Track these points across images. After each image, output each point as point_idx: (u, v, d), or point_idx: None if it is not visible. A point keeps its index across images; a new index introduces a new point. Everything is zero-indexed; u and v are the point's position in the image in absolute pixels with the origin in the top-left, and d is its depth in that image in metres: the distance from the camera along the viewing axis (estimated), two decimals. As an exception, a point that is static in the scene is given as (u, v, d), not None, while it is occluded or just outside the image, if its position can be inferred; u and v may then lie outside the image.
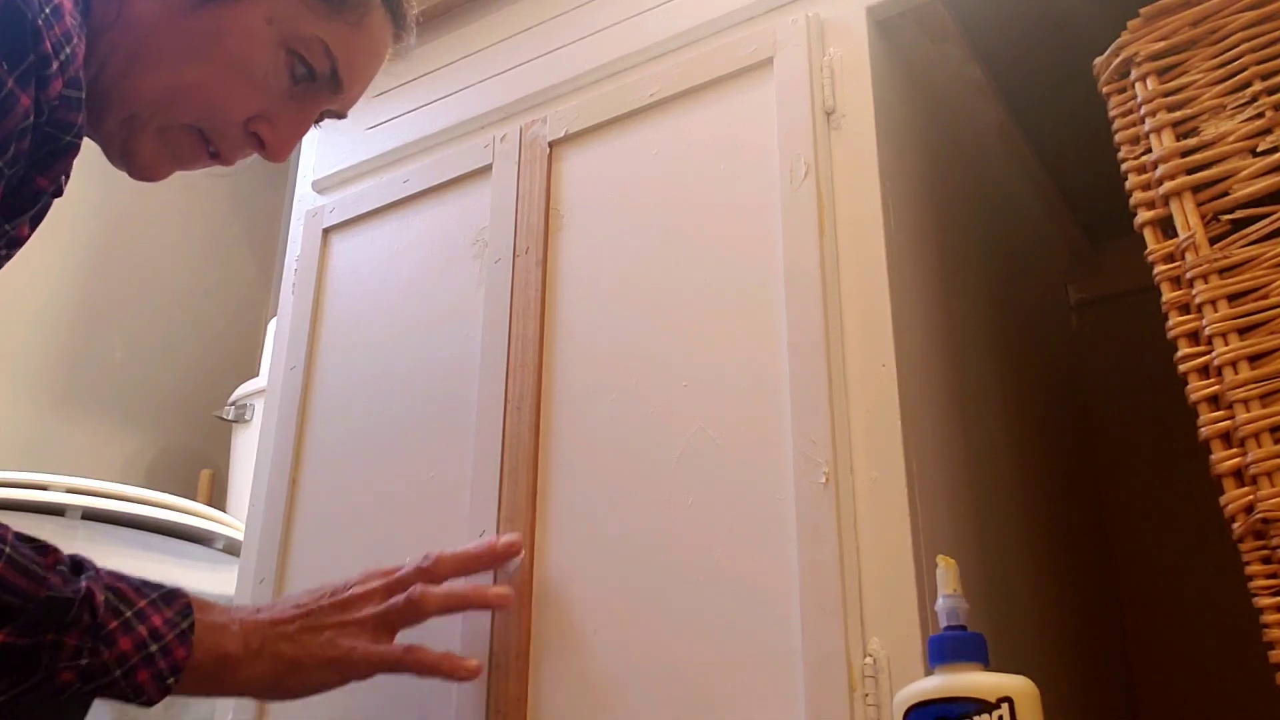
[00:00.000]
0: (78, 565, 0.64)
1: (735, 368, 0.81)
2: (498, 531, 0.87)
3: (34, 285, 1.78)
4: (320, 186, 1.20)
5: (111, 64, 0.67)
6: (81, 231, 1.90)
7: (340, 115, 0.79)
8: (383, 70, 1.22)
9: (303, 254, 1.15)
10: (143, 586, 0.67)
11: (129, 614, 0.65)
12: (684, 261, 0.87)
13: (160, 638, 0.66)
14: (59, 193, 0.63)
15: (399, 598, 0.78)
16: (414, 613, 0.78)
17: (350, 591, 0.78)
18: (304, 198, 1.21)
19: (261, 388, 1.66)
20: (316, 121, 0.77)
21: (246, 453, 1.69)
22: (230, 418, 1.79)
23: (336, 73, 0.74)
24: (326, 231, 1.15)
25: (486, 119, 1.08)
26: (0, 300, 1.71)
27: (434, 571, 0.80)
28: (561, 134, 0.99)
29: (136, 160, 0.71)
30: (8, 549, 0.59)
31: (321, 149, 1.22)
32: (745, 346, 0.81)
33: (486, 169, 1.04)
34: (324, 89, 0.74)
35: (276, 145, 0.74)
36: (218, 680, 0.70)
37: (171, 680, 0.66)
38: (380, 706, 0.88)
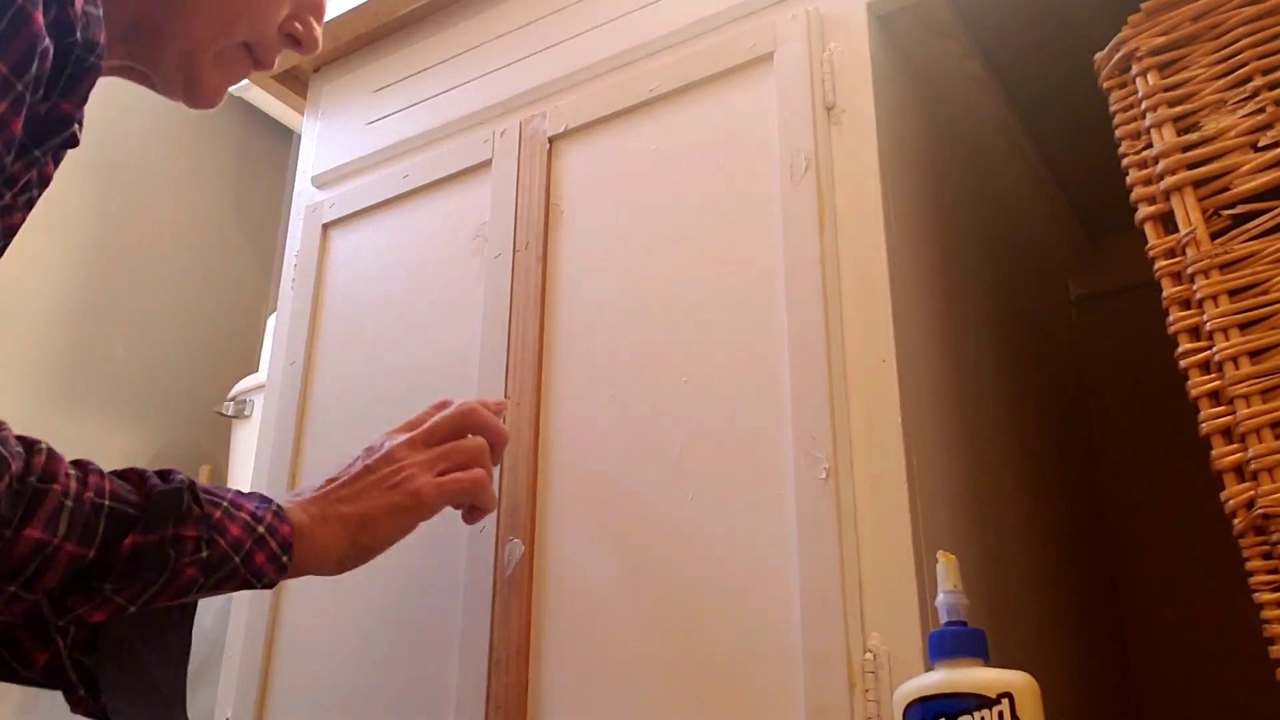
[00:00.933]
0: (164, 473, 0.65)
1: (735, 363, 0.81)
2: (498, 528, 0.87)
3: (34, 280, 1.78)
4: (320, 181, 1.20)
5: (153, 3, 0.69)
6: (81, 227, 1.90)
7: None
8: (382, 66, 1.22)
9: (302, 249, 1.15)
10: (217, 487, 0.68)
11: (225, 504, 0.66)
12: (684, 257, 0.87)
13: (261, 519, 0.67)
14: (75, 141, 0.63)
15: (438, 418, 0.80)
16: (445, 429, 0.80)
17: (388, 445, 0.78)
18: (304, 193, 1.21)
19: (261, 383, 1.66)
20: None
21: (246, 448, 1.69)
22: (230, 413, 1.79)
23: None
24: (326, 226, 1.15)
25: (486, 114, 1.07)
26: (0, 295, 1.71)
27: (446, 406, 0.82)
28: (561, 129, 0.99)
29: (203, 90, 0.74)
30: (103, 471, 0.60)
31: (321, 144, 1.22)
32: (745, 341, 0.81)
33: (486, 164, 1.04)
34: None
35: (310, 39, 0.78)
36: (299, 555, 0.69)
37: (285, 558, 0.67)
38: (381, 702, 0.88)
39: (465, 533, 0.88)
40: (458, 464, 0.78)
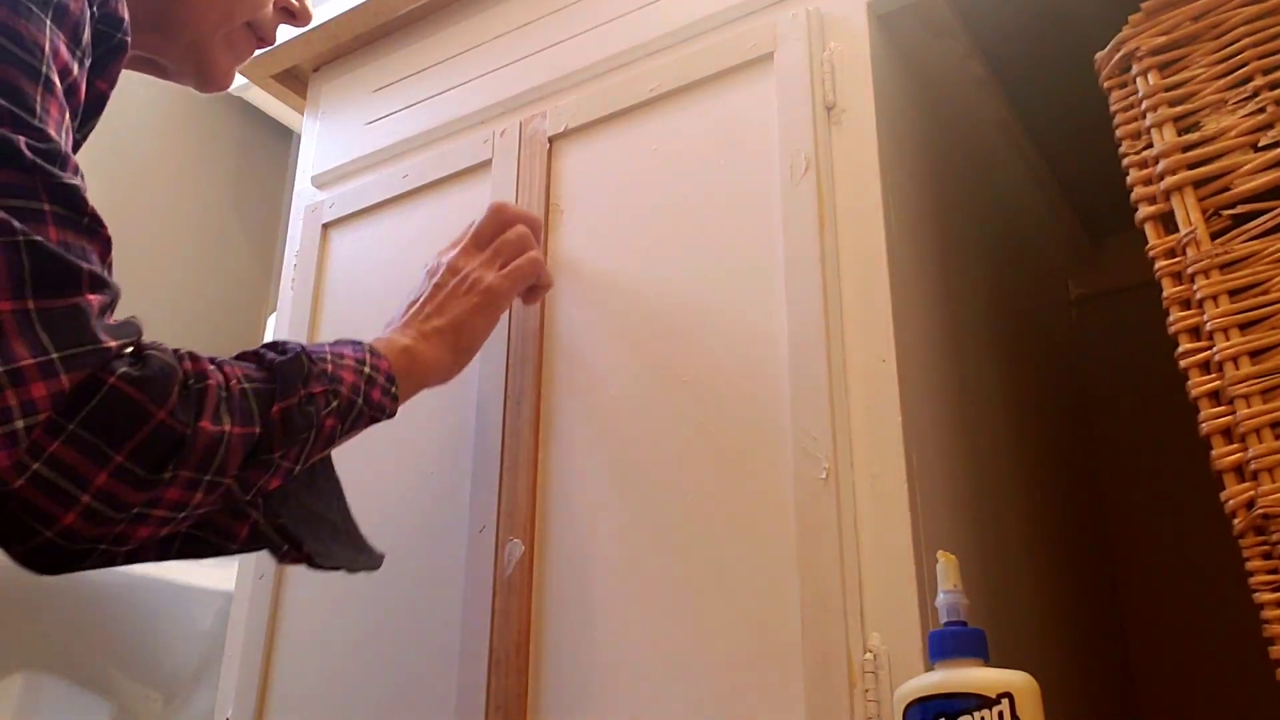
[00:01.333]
0: (275, 345, 0.70)
1: (735, 363, 0.81)
2: (497, 528, 0.87)
3: (33, 280, 1.77)
4: (320, 181, 1.20)
5: None
6: (81, 226, 1.89)
7: None
8: (382, 65, 1.22)
9: (302, 249, 1.15)
10: (312, 345, 0.73)
11: (329, 356, 0.71)
12: (684, 256, 0.87)
13: (363, 362, 0.73)
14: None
15: (477, 223, 0.89)
16: (487, 231, 0.88)
17: (445, 261, 0.87)
18: (303, 193, 1.21)
19: (261, 383, 1.65)
20: None
21: (246, 448, 1.69)
22: (230, 413, 1.78)
23: None
24: (326, 226, 1.15)
25: (486, 114, 1.07)
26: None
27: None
28: (561, 129, 0.99)
29: (214, 73, 0.78)
30: (222, 359, 0.65)
31: (321, 143, 1.22)
32: (745, 342, 0.81)
33: (486, 164, 1.04)
34: None
35: (304, 10, 0.84)
36: (412, 375, 0.77)
37: (394, 389, 0.75)
38: (381, 702, 0.88)
39: (465, 533, 0.88)
40: (510, 255, 0.87)
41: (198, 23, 0.74)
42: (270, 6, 0.79)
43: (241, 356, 0.67)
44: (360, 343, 0.75)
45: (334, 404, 0.69)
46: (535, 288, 0.90)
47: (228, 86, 0.80)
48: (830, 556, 0.71)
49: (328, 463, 0.76)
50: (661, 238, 0.89)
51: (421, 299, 0.84)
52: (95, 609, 1.21)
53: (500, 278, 0.85)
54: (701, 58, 0.93)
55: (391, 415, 0.75)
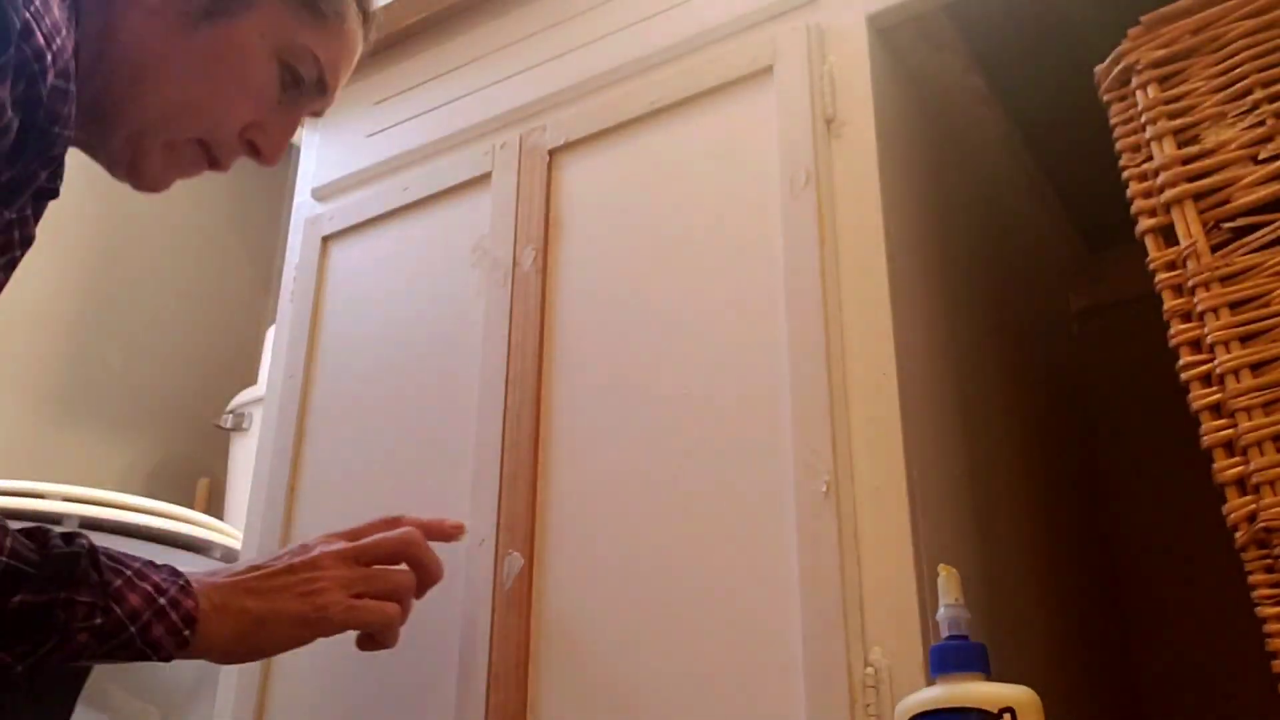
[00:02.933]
0: (69, 536, 0.65)
1: (736, 376, 0.81)
2: (496, 542, 0.87)
3: (32, 293, 1.78)
4: (320, 194, 1.20)
5: (115, 82, 0.69)
6: (80, 240, 1.90)
7: (320, 114, 0.82)
8: (383, 78, 1.22)
9: (301, 262, 1.15)
10: (127, 554, 0.67)
11: (129, 573, 0.65)
12: (684, 270, 0.87)
13: (164, 592, 0.66)
14: (55, 193, 0.64)
15: (377, 537, 0.79)
16: (378, 552, 0.78)
17: (318, 550, 0.76)
18: (303, 205, 1.21)
19: (260, 396, 1.66)
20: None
21: (244, 461, 1.69)
22: (228, 426, 1.79)
23: (323, 78, 0.77)
24: (325, 239, 1.15)
25: (486, 126, 1.07)
26: (-1, 308, 1.71)
27: (397, 524, 0.80)
28: (561, 142, 0.99)
29: (144, 174, 0.73)
30: (9, 525, 0.61)
31: (321, 156, 1.22)
32: (746, 355, 0.81)
33: (486, 177, 1.04)
34: (310, 93, 0.77)
35: (269, 152, 0.77)
36: (197, 637, 0.68)
37: (187, 633, 0.66)
38: (379, 717, 0.88)
39: (464, 547, 0.88)
40: (377, 591, 0.76)
41: (139, 118, 0.70)
42: (231, 133, 0.74)
43: (29, 533, 0.63)
44: (180, 575, 0.68)
45: (97, 621, 0.63)
46: (373, 640, 0.78)
47: (158, 191, 0.75)
48: (831, 570, 0.71)
49: (79, 681, 0.70)
50: (661, 250, 0.89)
51: (264, 571, 0.74)
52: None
53: (342, 606, 0.74)
54: (701, 71, 0.93)
55: (168, 659, 0.67)
